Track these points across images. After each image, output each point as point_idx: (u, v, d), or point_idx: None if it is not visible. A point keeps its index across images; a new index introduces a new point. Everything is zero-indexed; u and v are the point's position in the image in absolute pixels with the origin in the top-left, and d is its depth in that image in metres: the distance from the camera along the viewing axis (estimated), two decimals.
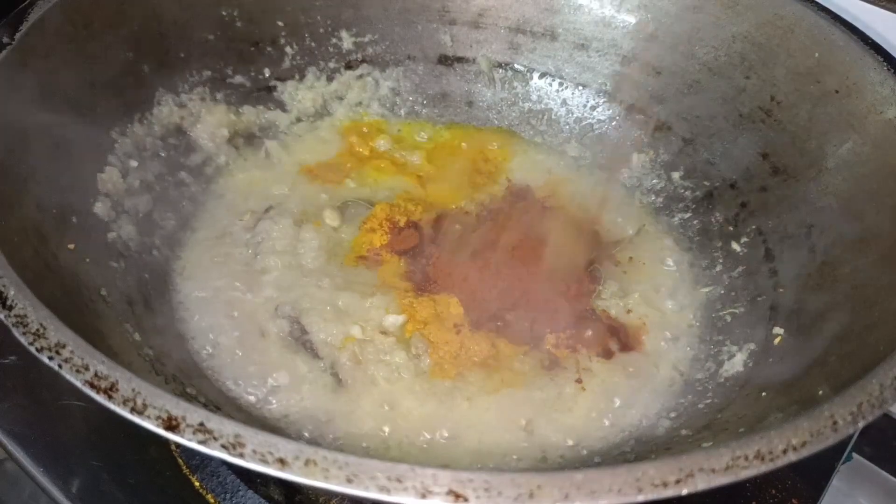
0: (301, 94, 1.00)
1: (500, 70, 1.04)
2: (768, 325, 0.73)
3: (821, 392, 0.53)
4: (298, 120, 1.00)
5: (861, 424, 0.45)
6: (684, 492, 0.39)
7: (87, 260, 0.67)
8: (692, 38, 0.91)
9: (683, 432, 0.66)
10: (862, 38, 0.76)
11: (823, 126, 0.77)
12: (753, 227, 0.82)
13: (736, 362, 0.72)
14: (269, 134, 0.97)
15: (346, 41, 1.01)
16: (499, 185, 0.96)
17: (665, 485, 0.39)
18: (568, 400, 0.72)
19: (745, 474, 0.40)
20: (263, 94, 0.97)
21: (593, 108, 1.01)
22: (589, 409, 0.72)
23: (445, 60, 1.05)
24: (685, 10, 0.91)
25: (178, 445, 0.73)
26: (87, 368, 0.43)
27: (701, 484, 0.39)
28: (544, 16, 1.00)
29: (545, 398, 0.72)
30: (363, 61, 1.03)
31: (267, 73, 0.97)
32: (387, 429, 0.69)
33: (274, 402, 0.70)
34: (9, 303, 0.47)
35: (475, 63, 1.04)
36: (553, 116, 1.03)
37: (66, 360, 0.44)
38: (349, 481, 0.38)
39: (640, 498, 0.38)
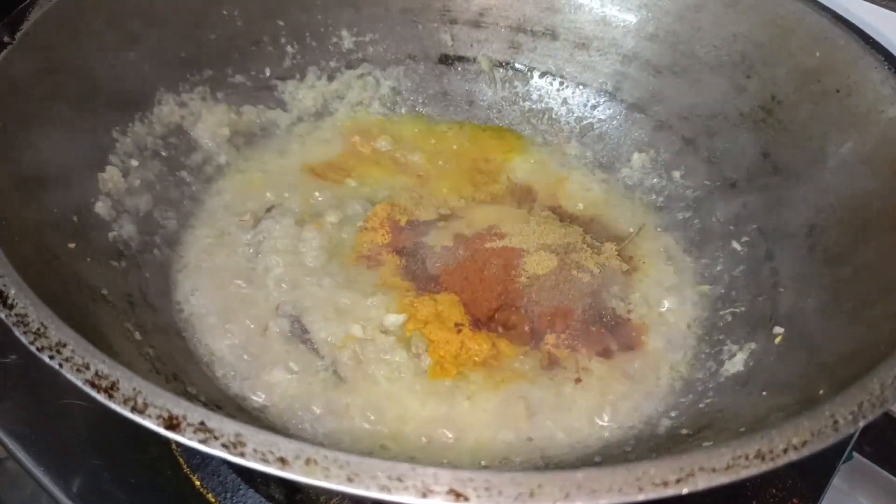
0: (302, 94, 1.00)
1: (501, 69, 1.04)
2: (769, 325, 0.72)
3: (821, 391, 0.53)
4: (300, 119, 1.00)
5: (862, 424, 0.45)
6: (685, 491, 0.39)
7: (88, 259, 0.67)
8: (693, 37, 0.91)
9: (684, 431, 0.66)
10: (863, 37, 0.76)
11: (824, 125, 0.77)
12: (754, 226, 0.82)
13: (736, 361, 0.72)
14: (270, 133, 0.97)
15: (347, 40, 1.01)
16: (499, 184, 0.96)
17: (666, 484, 0.39)
18: (568, 399, 0.72)
19: (745, 474, 0.40)
20: (264, 93, 0.97)
21: (594, 107, 1.01)
22: (589, 409, 0.72)
23: (446, 60, 1.05)
24: (686, 10, 0.91)
25: (179, 444, 0.73)
26: (87, 368, 0.43)
27: (701, 483, 0.39)
28: (545, 15, 1.00)
29: (545, 398, 0.72)
30: (364, 60, 1.03)
31: (267, 72, 0.97)
32: (387, 428, 0.69)
33: (275, 400, 0.70)
34: (9, 302, 0.47)
35: (476, 62, 1.04)
36: (554, 115, 1.03)
37: (66, 360, 0.44)
38: (350, 480, 0.38)
39: (641, 497, 0.38)
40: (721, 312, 0.80)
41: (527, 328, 0.77)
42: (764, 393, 0.65)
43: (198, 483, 0.72)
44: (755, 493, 0.76)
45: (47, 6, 0.69)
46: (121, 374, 0.43)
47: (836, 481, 0.79)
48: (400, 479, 0.38)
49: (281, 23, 0.96)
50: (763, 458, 0.41)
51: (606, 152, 0.99)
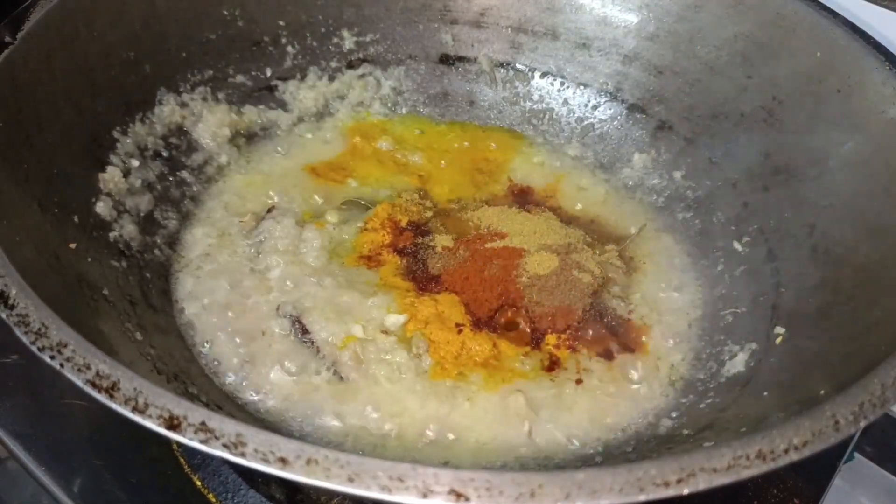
0: (303, 94, 1.00)
1: (502, 69, 1.04)
2: (770, 325, 0.72)
3: (822, 391, 0.53)
4: (300, 120, 1.00)
5: (863, 424, 0.45)
6: (686, 491, 0.39)
7: (89, 259, 0.67)
8: (694, 37, 0.91)
9: (685, 432, 0.66)
10: (864, 37, 0.76)
11: (825, 126, 0.77)
12: (755, 226, 0.82)
13: (737, 362, 0.72)
14: (270, 134, 0.97)
15: (348, 40, 1.01)
16: (500, 184, 0.96)
17: (667, 484, 0.39)
18: (568, 400, 0.72)
19: (746, 474, 0.40)
20: (265, 93, 0.97)
21: (595, 107, 1.01)
22: (589, 409, 0.72)
23: (447, 60, 1.05)
24: (687, 10, 0.91)
25: (180, 445, 0.73)
26: (88, 368, 0.43)
27: (702, 483, 0.39)
28: (546, 15, 1.00)
29: (546, 398, 0.72)
30: (365, 61, 1.03)
31: (268, 72, 0.97)
32: (388, 428, 0.69)
33: (275, 401, 0.70)
34: (10, 302, 0.47)
35: (477, 62, 1.04)
36: (554, 116, 1.03)
37: (67, 360, 0.44)
38: (350, 481, 0.38)
39: (642, 497, 0.38)
40: (722, 313, 0.80)
41: (527, 329, 0.77)
42: (765, 393, 0.65)
43: (198, 483, 0.72)
44: (756, 493, 0.76)
45: (48, 6, 0.69)
46: (122, 375, 0.43)
47: (837, 481, 0.79)
48: (401, 480, 0.38)
49: (281, 23, 0.96)
50: (764, 459, 0.41)
51: (607, 153, 0.99)
